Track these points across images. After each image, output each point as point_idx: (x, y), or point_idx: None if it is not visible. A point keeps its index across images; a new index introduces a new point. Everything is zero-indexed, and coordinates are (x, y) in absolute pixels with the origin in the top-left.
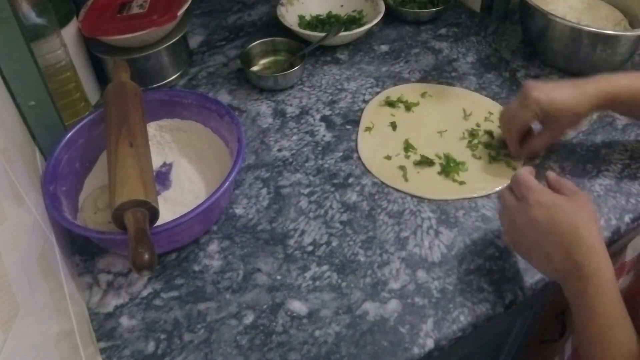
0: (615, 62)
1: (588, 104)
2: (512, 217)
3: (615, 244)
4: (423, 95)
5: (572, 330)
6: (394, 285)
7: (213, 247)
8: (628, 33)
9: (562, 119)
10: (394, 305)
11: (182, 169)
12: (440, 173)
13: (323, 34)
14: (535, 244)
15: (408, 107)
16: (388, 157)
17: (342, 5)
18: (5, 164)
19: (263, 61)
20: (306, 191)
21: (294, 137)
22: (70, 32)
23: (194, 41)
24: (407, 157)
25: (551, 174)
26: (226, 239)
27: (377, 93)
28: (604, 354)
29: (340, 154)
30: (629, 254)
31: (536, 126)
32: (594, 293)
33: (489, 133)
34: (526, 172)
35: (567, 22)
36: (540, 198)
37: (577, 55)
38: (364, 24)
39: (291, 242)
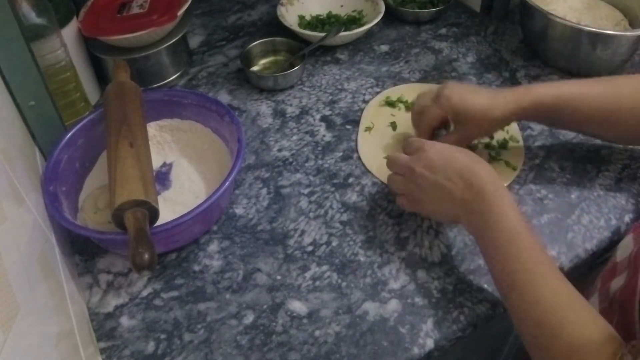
0: (615, 62)
1: (502, 111)
2: (410, 167)
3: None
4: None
5: None
6: (394, 285)
7: (213, 247)
8: (628, 33)
9: (471, 122)
10: (394, 305)
11: (182, 169)
12: None
13: (323, 34)
14: (435, 185)
15: (408, 107)
16: (388, 157)
17: (342, 6)
18: (5, 164)
19: (263, 61)
20: (306, 191)
21: (294, 137)
22: (70, 32)
23: (194, 41)
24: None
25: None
26: (226, 239)
27: (377, 93)
28: (517, 264)
29: (340, 154)
30: (620, 255)
31: None
32: (498, 205)
33: None
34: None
35: (567, 22)
36: (436, 146)
37: (577, 55)
38: (364, 24)
39: (291, 242)
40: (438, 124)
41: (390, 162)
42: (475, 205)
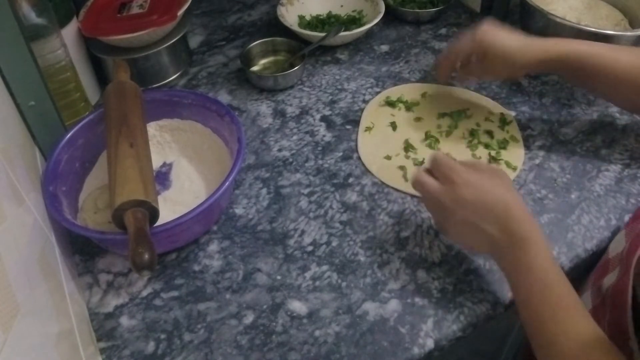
0: None
1: (530, 57)
2: (440, 201)
3: None
4: (423, 95)
5: None
6: (394, 285)
7: (213, 247)
8: (627, 33)
9: (498, 61)
10: (394, 305)
11: (182, 169)
12: None
13: (323, 34)
14: (467, 222)
15: (408, 107)
16: (388, 157)
17: (342, 5)
18: (5, 164)
19: (263, 61)
20: (306, 191)
21: (294, 137)
22: (70, 32)
23: (194, 41)
24: (407, 157)
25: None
26: (226, 239)
27: (377, 93)
28: (548, 311)
29: (340, 154)
30: (612, 251)
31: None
32: (532, 254)
33: (489, 133)
34: (442, 154)
35: (567, 22)
36: (465, 176)
37: None
38: (364, 24)
39: (291, 242)
40: (464, 58)
41: (416, 184)
42: (509, 249)
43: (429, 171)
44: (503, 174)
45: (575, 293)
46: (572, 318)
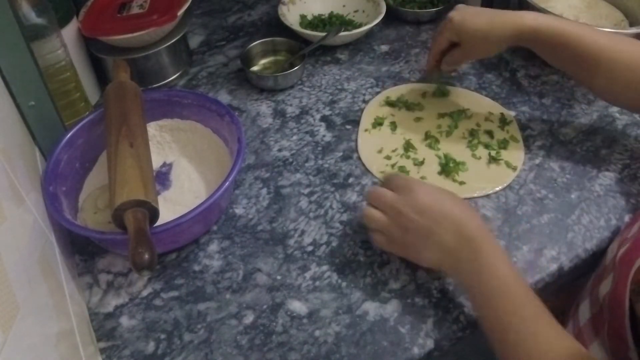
0: None
1: (502, 32)
2: (398, 209)
3: None
4: (423, 95)
5: (572, 331)
6: (394, 285)
7: (213, 247)
8: (625, 31)
9: (472, 43)
10: (394, 305)
11: (182, 169)
12: (440, 173)
13: (323, 34)
14: (423, 229)
15: (408, 107)
16: (388, 157)
17: (344, 5)
18: (5, 164)
19: (263, 61)
20: (306, 191)
21: (294, 137)
22: (70, 32)
23: (194, 41)
24: (407, 157)
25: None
26: (226, 239)
27: (377, 93)
28: (509, 315)
29: (340, 154)
30: (608, 257)
31: None
32: (490, 259)
33: (489, 133)
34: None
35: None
36: (424, 186)
37: None
38: (364, 24)
39: (291, 242)
40: (447, 48)
41: (371, 197)
42: (465, 254)
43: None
44: (466, 201)
45: (536, 297)
46: (535, 322)
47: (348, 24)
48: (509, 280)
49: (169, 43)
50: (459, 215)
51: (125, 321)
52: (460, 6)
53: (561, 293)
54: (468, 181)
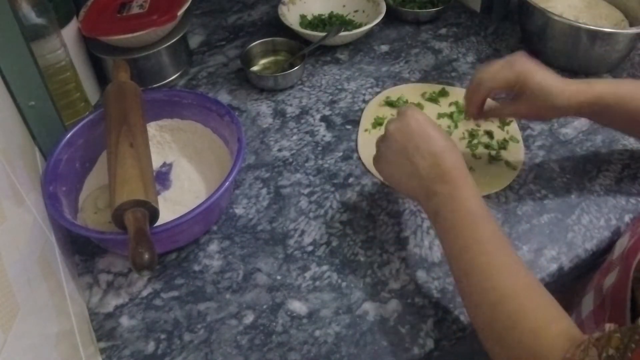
0: (613, 60)
1: (567, 99)
2: (388, 130)
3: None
4: (423, 95)
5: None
6: (394, 285)
7: (213, 247)
8: (625, 31)
9: (532, 98)
10: (394, 305)
11: (182, 169)
12: None
13: (323, 34)
14: (402, 151)
15: None
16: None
17: (344, 5)
18: (5, 164)
19: (263, 61)
20: (306, 191)
21: (294, 137)
22: (70, 32)
23: (194, 41)
24: None
25: None
26: (226, 239)
27: (377, 93)
28: (477, 246)
29: (340, 154)
30: (616, 252)
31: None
32: (463, 193)
33: (489, 133)
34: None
35: (566, 19)
36: (416, 113)
37: (576, 53)
38: (364, 24)
39: (291, 242)
40: (496, 93)
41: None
42: (438, 186)
43: None
44: (453, 142)
45: (503, 232)
46: (502, 253)
47: (348, 24)
48: (477, 216)
49: (169, 43)
50: (440, 147)
51: (125, 321)
52: (527, 56)
53: (563, 291)
54: None
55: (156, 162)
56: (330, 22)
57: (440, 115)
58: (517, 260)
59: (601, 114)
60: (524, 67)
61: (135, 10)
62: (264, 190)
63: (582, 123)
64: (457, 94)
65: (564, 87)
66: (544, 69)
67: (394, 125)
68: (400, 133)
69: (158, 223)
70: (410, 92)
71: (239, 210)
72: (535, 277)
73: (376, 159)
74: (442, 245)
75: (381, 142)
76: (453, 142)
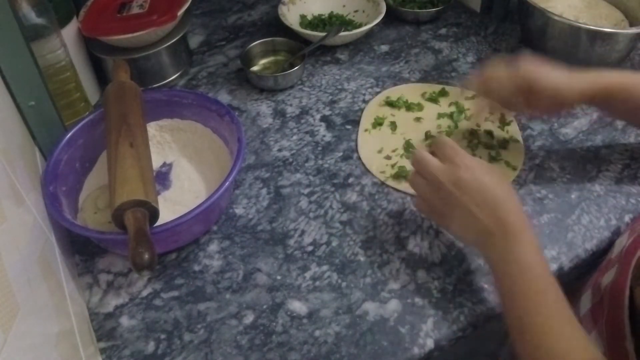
0: (613, 60)
1: (577, 91)
2: (438, 179)
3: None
4: (423, 95)
5: None
6: (394, 285)
7: (213, 247)
8: (624, 30)
9: (543, 96)
10: (394, 305)
11: (182, 169)
12: None
13: (323, 34)
14: (461, 207)
15: (408, 107)
16: (388, 157)
17: (344, 5)
18: (5, 164)
19: (263, 61)
20: (306, 191)
21: (294, 137)
22: (70, 32)
23: (194, 41)
24: (407, 157)
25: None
26: (226, 239)
27: (377, 93)
28: (533, 307)
29: (340, 154)
30: (615, 251)
31: None
32: (522, 247)
33: (489, 133)
34: (447, 138)
35: (566, 19)
36: (468, 161)
37: (576, 53)
38: (364, 24)
39: (291, 242)
40: (507, 95)
41: (417, 162)
42: (497, 238)
43: (432, 153)
44: (502, 175)
45: (560, 290)
46: (558, 316)
47: (348, 24)
48: (537, 273)
49: (169, 43)
50: (498, 198)
51: (125, 321)
52: (531, 58)
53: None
54: None
55: (156, 162)
56: (330, 22)
57: (440, 115)
58: (573, 322)
59: (611, 104)
60: (530, 69)
61: (135, 10)
62: (264, 190)
63: (582, 123)
64: (457, 94)
65: (572, 83)
66: (550, 68)
67: (447, 178)
68: (456, 188)
69: (158, 223)
70: (410, 92)
71: (239, 210)
72: (584, 334)
73: (432, 211)
74: (499, 297)
75: (434, 194)
76: (508, 185)
